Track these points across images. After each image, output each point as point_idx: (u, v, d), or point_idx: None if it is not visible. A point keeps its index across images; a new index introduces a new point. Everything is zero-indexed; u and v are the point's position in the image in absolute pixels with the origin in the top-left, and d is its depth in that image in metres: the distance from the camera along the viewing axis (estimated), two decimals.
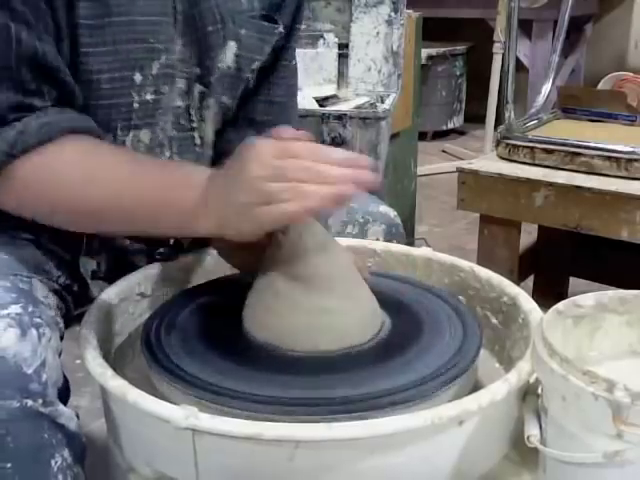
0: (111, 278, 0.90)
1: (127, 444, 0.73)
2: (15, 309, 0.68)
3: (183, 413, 0.64)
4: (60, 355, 0.73)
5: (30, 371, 0.66)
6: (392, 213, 1.08)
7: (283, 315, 0.78)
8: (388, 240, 1.05)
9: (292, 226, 0.78)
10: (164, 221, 0.77)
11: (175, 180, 0.77)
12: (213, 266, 0.98)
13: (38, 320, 0.70)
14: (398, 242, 1.06)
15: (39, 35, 0.75)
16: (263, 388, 0.70)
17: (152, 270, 0.93)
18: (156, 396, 0.68)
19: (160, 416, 0.65)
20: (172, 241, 0.97)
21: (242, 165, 0.71)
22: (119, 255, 0.94)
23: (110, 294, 0.86)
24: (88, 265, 0.89)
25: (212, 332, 0.81)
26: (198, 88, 0.92)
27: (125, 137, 0.86)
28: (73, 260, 0.88)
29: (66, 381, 0.73)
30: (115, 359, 0.84)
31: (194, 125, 0.93)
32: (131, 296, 0.90)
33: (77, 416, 0.72)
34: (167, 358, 0.76)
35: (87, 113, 0.81)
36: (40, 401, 0.67)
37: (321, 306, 0.77)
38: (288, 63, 1.05)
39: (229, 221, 0.72)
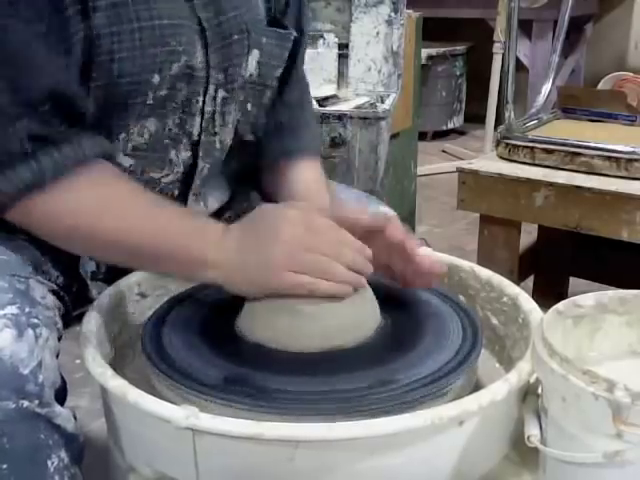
0: (110, 279, 0.90)
1: (127, 444, 0.73)
2: (11, 309, 0.68)
3: (183, 413, 0.64)
4: (58, 356, 0.73)
5: (26, 372, 0.66)
6: (391, 213, 1.08)
7: (282, 316, 0.78)
8: None
9: None
10: (170, 264, 0.80)
11: (190, 227, 0.79)
12: None
13: (35, 320, 0.69)
14: None
15: (58, 61, 0.75)
16: (264, 387, 0.70)
17: None
18: (156, 396, 0.68)
19: (160, 416, 0.65)
20: None
21: (274, 226, 0.76)
22: None
23: (110, 294, 0.86)
24: (87, 266, 0.89)
25: (212, 332, 0.81)
26: (221, 94, 0.93)
27: (134, 128, 0.86)
28: (72, 261, 0.88)
29: (63, 382, 0.73)
30: (115, 359, 0.84)
31: (216, 130, 0.94)
32: (131, 296, 0.90)
33: (75, 417, 0.72)
34: (167, 358, 0.76)
35: (102, 114, 0.82)
36: (36, 402, 0.66)
37: (318, 308, 0.77)
38: (300, 65, 1.08)
39: (243, 274, 0.77)
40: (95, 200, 0.77)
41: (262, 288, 0.77)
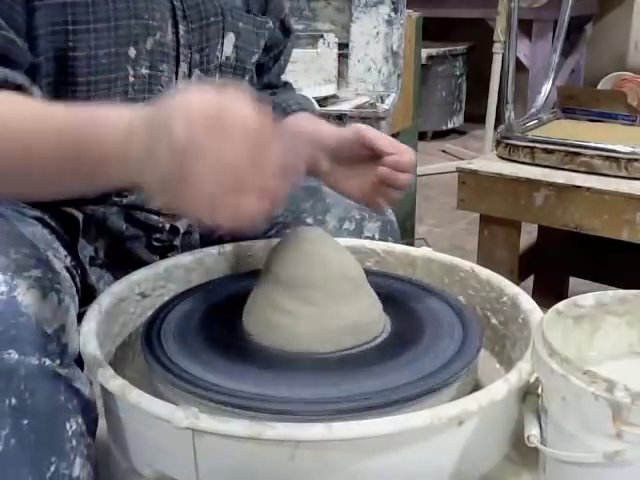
0: (109, 265, 0.91)
1: (127, 444, 0.73)
2: (36, 273, 0.68)
3: (183, 413, 0.64)
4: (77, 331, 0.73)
5: (50, 331, 0.66)
6: (387, 210, 1.10)
7: (281, 317, 0.78)
8: (383, 236, 1.07)
9: (292, 231, 0.79)
10: (69, 163, 0.68)
11: (88, 116, 0.68)
12: (213, 266, 0.98)
13: (57, 286, 0.69)
14: (393, 239, 1.08)
15: None
16: (264, 388, 0.70)
17: (152, 270, 0.93)
18: (156, 396, 0.68)
19: (160, 416, 0.65)
20: (168, 226, 0.98)
21: (170, 126, 0.61)
22: (116, 240, 0.95)
23: (110, 294, 0.86)
24: (86, 250, 0.90)
25: (212, 332, 0.81)
26: (197, 74, 0.95)
27: None
28: (73, 243, 0.88)
29: (80, 357, 0.73)
30: (115, 359, 0.84)
31: None
32: (131, 296, 0.90)
33: (91, 383, 0.72)
34: (167, 358, 0.76)
35: (89, 90, 0.84)
36: (58, 362, 0.67)
37: (317, 309, 0.77)
38: (284, 67, 1.14)
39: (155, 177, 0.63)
40: None
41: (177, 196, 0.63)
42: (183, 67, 0.93)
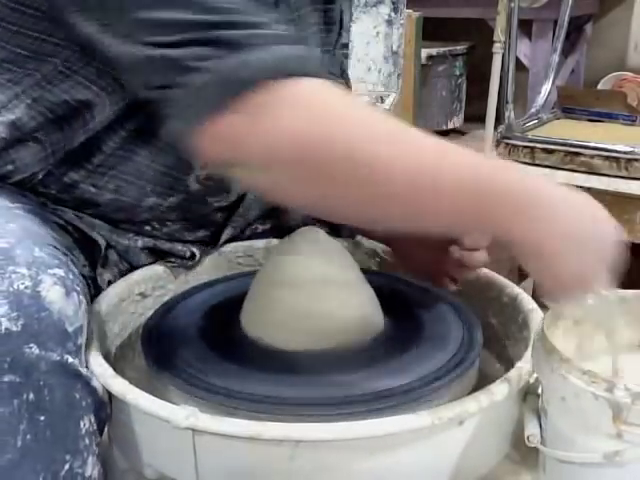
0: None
1: (127, 444, 0.73)
2: (59, 272, 0.68)
3: (183, 413, 0.64)
4: None
5: (71, 329, 0.66)
6: None
7: (280, 317, 0.78)
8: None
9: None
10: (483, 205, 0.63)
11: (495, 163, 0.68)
12: (213, 266, 0.98)
13: (78, 288, 0.70)
14: None
15: None
16: (264, 388, 0.70)
17: (152, 270, 0.93)
18: (156, 396, 0.68)
19: (160, 416, 0.65)
20: (189, 253, 0.95)
21: (597, 227, 0.65)
22: (133, 267, 0.93)
23: (110, 294, 0.86)
24: (105, 275, 0.89)
25: (212, 332, 0.81)
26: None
27: None
28: (92, 267, 0.88)
29: None
30: (115, 359, 0.84)
31: None
32: (131, 296, 0.90)
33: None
34: (167, 358, 0.76)
35: None
36: (77, 360, 0.67)
37: (316, 309, 0.77)
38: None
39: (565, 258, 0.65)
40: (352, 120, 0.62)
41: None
42: None
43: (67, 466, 0.66)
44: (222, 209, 0.94)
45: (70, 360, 0.66)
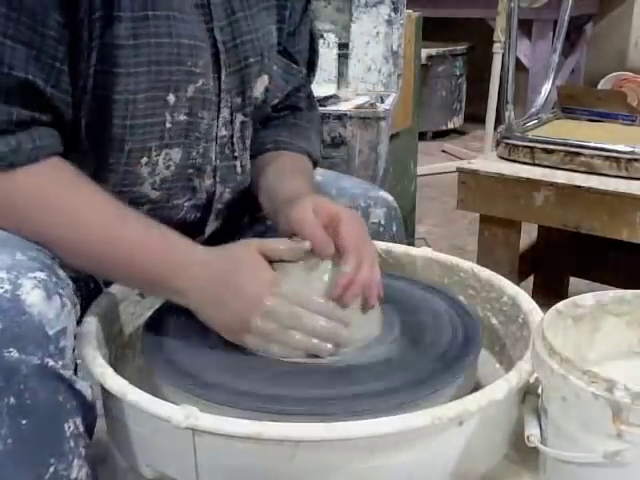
0: None
1: (127, 444, 0.73)
2: (41, 275, 0.68)
3: (183, 413, 0.64)
4: (75, 337, 0.72)
5: (51, 333, 0.66)
6: (390, 198, 1.12)
7: None
8: (389, 222, 1.08)
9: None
10: (133, 283, 0.83)
11: (155, 247, 0.77)
12: None
13: (61, 291, 0.70)
14: (397, 225, 1.10)
15: (35, 59, 0.73)
16: (264, 388, 0.70)
17: None
18: (156, 396, 0.68)
19: (160, 416, 0.65)
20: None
21: (237, 280, 0.75)
22: None
23: (110, 294, 0.86)
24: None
25: (212, 332, 0.81)
26: (240, 118, 0.93)
27: (158, 157, 0.86)
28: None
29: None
30: (115, 359, 0.84)
31: (236, 154, 0.95)
32: (131, 296, 0.90)
33: (91, 387, 0.72)
34: (167, 358, 0.76)
35: (125, 134, 0.82)
36: (60, 363, 0.67)
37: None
38: (305, 98, 1.09)
39: (212, 315, 0.77)
40: (67, 203, 0.75)
41: (237, 337, 0.76)
42: (224, 112, 0.91)
43: (52, 469, 0.66)
44: (196, 207, 0.94)
45: (51, 363, 0.66)
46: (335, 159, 1.80)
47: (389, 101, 1.93)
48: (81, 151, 0.82)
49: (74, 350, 0.71)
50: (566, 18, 1.86)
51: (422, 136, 3.24)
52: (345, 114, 1.81)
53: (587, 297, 0.73)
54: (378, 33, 1.98)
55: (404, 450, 0.65)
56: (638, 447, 0.59)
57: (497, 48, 3.10)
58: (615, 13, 3.91)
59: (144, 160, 0.85)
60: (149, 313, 0.87)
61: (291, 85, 1.05)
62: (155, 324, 0.82)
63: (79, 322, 0.79)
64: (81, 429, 0.69)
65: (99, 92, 0.79)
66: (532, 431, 0.68)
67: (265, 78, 0.96)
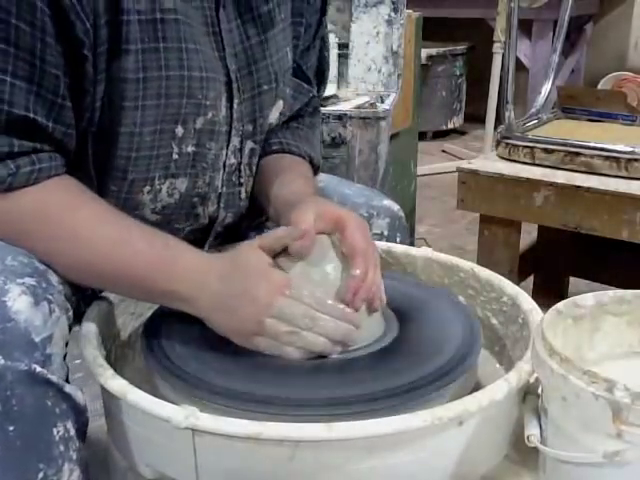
0: None
1: (127, 444, 0.73)
2: (30, 281, 0.68)
3: (183, 413, 0.64)
4: (67, 345, 0.72)
5: (38, 339, 0.66)
6: (395, 207, 1.09)
7: None
8: (392, 233, 1.07)
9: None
10: (137, 293, 0.80)
11: (158, 257, 0.76)
12: None
13: (50, 297, 0.70)
14: (402, 235, 1.08)
15: (35, 95, 0.72)
16: (263, 388, 0.70)
17: None
18: (156, 396, 0.68)
19: (160, 416, 0.65)
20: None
21: (247, 284, 0.74)
22: None
23: (110, 295, 0.86)
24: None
25: (212, 332, 0.81)
26: (249, 145, 0.93)
27: (162, 185, 0.86)
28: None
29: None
30: (115, 359, 0.84)
31: (242, 181, 0.94)
32: None
33: (82, 390, 0.72)
34: (167, 358, 0.76)
35: (128, 164, 0.81)
36: (48, 369, 0.67)
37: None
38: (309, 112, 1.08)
39: (222, 322, 0.76)
40: (66, 222, 0.74)
41: (248, 341, 0.75)
42: (234, 141, 0.90)
43: (41, 474, 0.66)
44: (196, 231, 0.94)
45: (38, 369, 0.66)
46: (335, 159, 1.80)
47: (389, 101, 1.93)
48: (85, 174, 0.81)
49: (65, 356, 0.71)
50: (566, 18, 1.86)
51: (422, 136, 3.24)
52: (345, 114, 1.81)
53: (587, 297, 0.73)
54: (378, 33, 1.98)
55: (404, 450, 0.65)
56: (638, 447, 0.59)
57: (497, 48, 3.10)
58: (615, 13, 3.91)
59: (146, 189, 0.85)
60: (149, 313, 0.87)
61: (300, 103, 1.03)
62: (155, 324, 0.82)
63: (79, 323, 0.79)
64: (72, 432, 0.69)
65: (105, 124, 0.78)
66: (532, 431, 0.68)
67: (280, 104, 0.95)
